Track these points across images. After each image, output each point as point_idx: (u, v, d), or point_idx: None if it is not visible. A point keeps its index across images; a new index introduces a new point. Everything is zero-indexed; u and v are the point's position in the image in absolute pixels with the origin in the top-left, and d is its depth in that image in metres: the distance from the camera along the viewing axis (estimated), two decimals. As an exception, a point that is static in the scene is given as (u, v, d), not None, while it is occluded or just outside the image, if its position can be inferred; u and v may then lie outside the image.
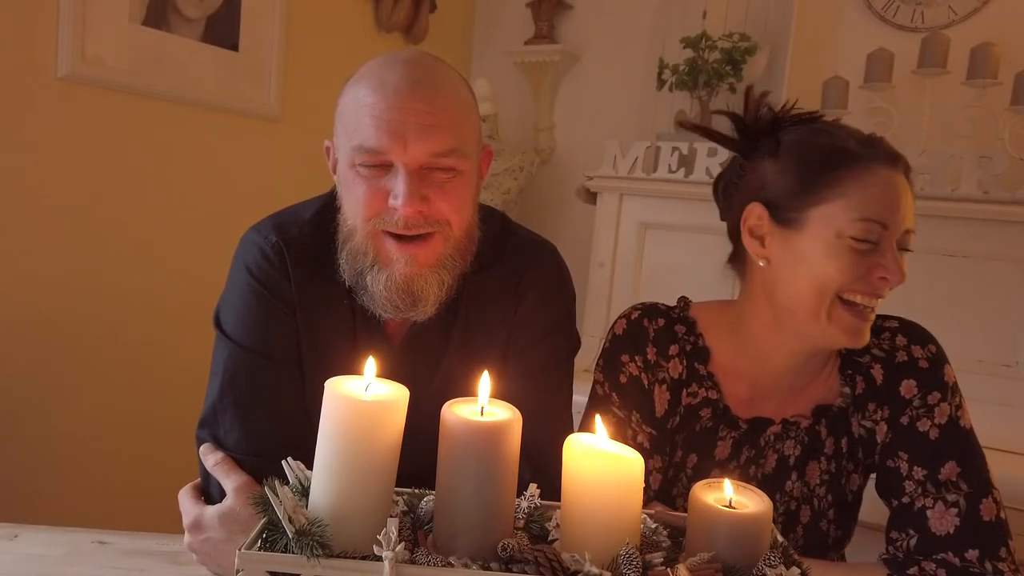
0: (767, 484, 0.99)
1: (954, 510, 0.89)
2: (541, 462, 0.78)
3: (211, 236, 1.97)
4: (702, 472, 1.01)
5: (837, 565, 1.00)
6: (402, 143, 0.84)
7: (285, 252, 0.94)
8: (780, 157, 0.95)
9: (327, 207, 0.99)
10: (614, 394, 1.01)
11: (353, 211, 0.89)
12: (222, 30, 2.00)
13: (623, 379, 1.01)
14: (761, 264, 0.96)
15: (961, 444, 0.93)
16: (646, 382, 1.01)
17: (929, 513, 0.90)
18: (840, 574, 0.95)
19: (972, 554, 0.87)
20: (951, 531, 0.88)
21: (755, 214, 0.96)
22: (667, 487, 1.02)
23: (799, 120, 0.98)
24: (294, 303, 0.95)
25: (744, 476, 1.00)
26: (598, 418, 0.63)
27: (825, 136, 0.94)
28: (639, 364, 1.01)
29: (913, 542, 0.90)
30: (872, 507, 1.02)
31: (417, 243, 0.88)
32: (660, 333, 1.03)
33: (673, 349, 1.02)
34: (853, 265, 0.90)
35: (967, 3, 2.08)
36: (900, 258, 0.91)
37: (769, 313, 0.97)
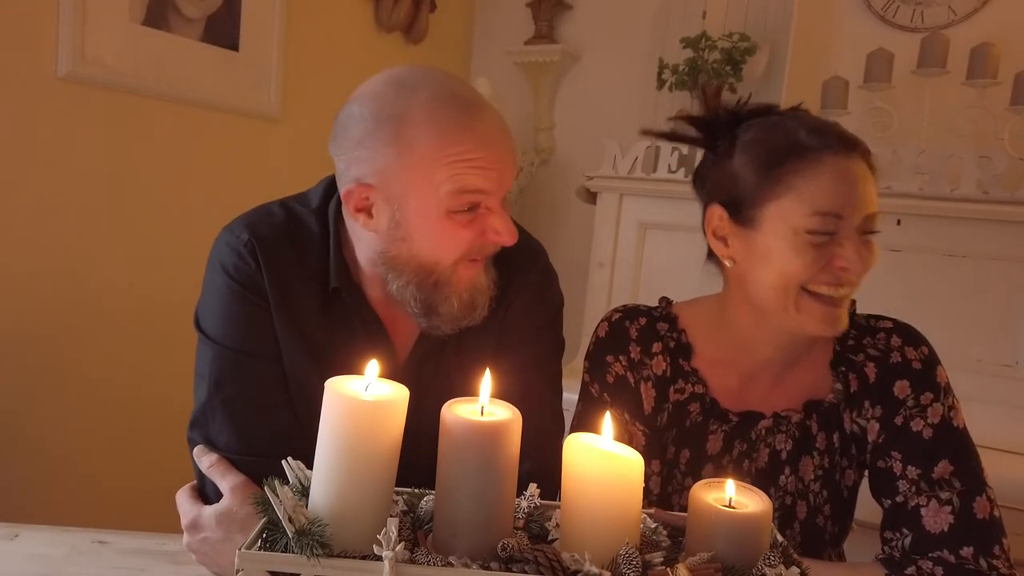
0: (761, 478, 1.00)
1: (948, 508, 0.89)
2: (538, 455, 0.78)
3: (211, 236, 1.96)
4: (695, 467, 1.02)
5: (836, 565, 1.00)
6: (500, 182, 0.89)
7: (258, 249, 0.95)
8: (735, 157, 0.96)
9: (298, 204, 1.00)
10: (605, 394, 1.02)
11: (440, 253, 0.90)
12: (222, 30, 2.00)
13: (610, 379, 1.02)
14: (728, 264, 0.98)
15: (955, 443, 0.94)
16: (632, 380, 1.02)
17: (923, 511, 0.90)
18: (840, 574, 0.95)
19: (967, 551, 0.87)
20: (945, 529, 0.88)
21: (716, 215, 0.98)
22: (661, 484, 1.02)
23: (755, 113, 0.98)
24: (270, 299, 0.95)
25: (738, 470, 1.00)
26: (608, 415, 0.64)
27: (777, 131, 0.94)
28: (624, 363, 1.03)
29: (908, 541, 0.90)
30: (872, 507, 1.02)
31: (482, 258, 0.94)
32: (642, 332, 1.04)
33: (656, 347, 1.04)
34: (813, 259, 0.90)
35: (967, 3, 2.08)
36: (866, 243, 0.91)
37: (748, 306, 0.99)
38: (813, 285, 0.91)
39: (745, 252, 0.96)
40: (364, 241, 0.94)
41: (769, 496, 0.98)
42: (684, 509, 0.98)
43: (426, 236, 0.89)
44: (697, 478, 1.01)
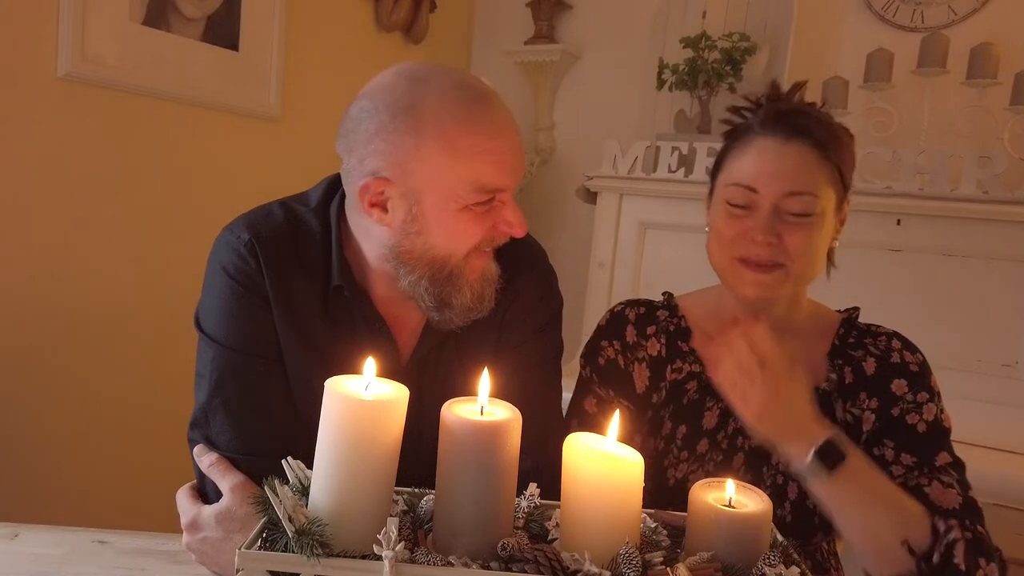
0: (754, 457, 1.02)
1: (952, 490, 0.91)
2: (539, 454, 0.78)
3: (211, 236, 1.95)
4: (691, 442, 1.05)
5: (890, 485, 0.94)
6: (515, 175, 0.90)
7: (258, 250, 0.95)
8: None
9: (297, 203, 1.00)
10: (594, 375, 1.09)
11: (453, 245, 0.90)
12: (222, 30, 2.00)
13: (601, 361, 1.09)
14: (706, 230, 1.06)
15: (946, 440, 0.98)
16: (622, 363, 1.09)
17: (927, 490, 0.92)
18: (892, 491, 0.89)
19: (982, 530, 0.88)
20: (956, 506, 0.90)
21: (708, 189, 1.09)
22: (658, 458, 1.05)
23: (776, 98, 1.04)
24: (270, 299, 0.95)
25: (732, 447, 1.03)
26: (616, 414, 0.64)
27: (750, 116, 1.03)
28: (616, 347, 1.10)
29: None
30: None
31: (491, 249, 0.95)
32: (640, 317, 1.11)
33: (651, 329, 1.10)
34: (730, 226, 0.99)
35: (967, 3, 2.08)
36: (785, 222, 0.95)
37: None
38: (740, 254, 0.98)
39: (710, 219, 1.06)
40: (374, 237, 0.93)
41: (761, 474, 1.00)
42: (680, 482, 1.02)
43: (442, 230, 0.89)
44: (693, 452, 1.04)
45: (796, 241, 0.95)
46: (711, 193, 1.07)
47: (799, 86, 1.05)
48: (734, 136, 1.03)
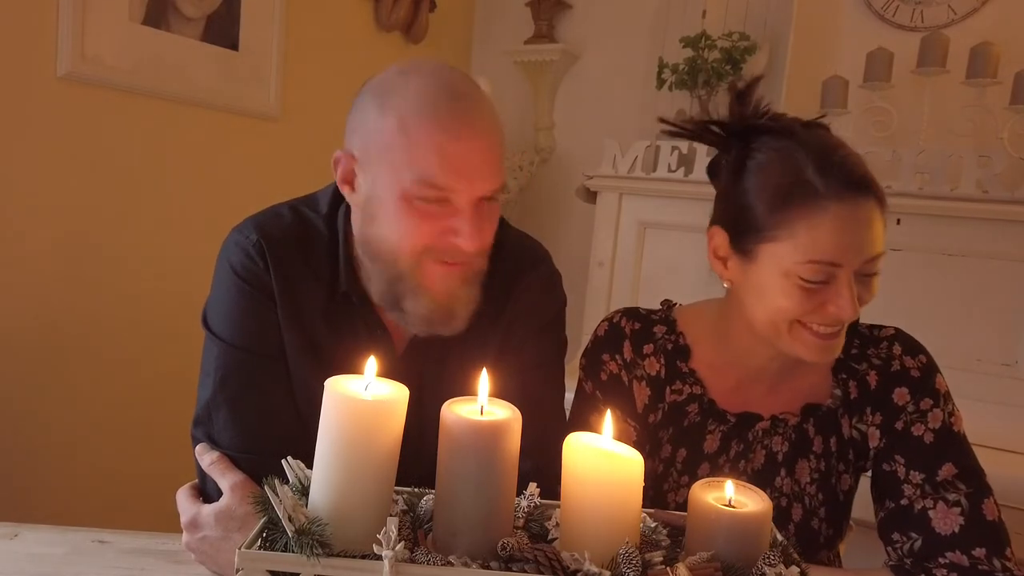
0: (757, 480, 1.00)
1: (956, 509, 0.89)
2: (540, 455, 0.78)
3: (210, 236, 1.95)
4: (692, 466, 1.03)
5: (845, 572, 1.00)
6: (468, 181, 0.85)
7: (266, 250, 0.95)
8: (744, 179, 0.94)
9: (307, 207, 1.01)
10: (598, 391, 1.04)
11: (398, 240, 0.88)
12: (222, 29, 2.00)
13: (604, 376, 1.05)
14: (726, 285, 0.99)
15: (956, 447, 0.94)
16: (626, 379, 1.04)
17: (931, 514, 0.90)
18: None
19: (979, 552, 0.87)
20: (956, 530, 0.88)
21: (718, 238, 0.97)
22: (658, 482, 1.03)
23: (772, 127, 0.94)
24: (276, 299, 0.95)
25: (734, 471, 1.01)
26: (608, 414, 0.64)
27: (787, 163, 0.90)
28: (619, 362, 1.05)
29: (918, 544, 0.90)
30: (871, 507, 1.02)
31: (455, 263, 0.91)
32: (636, 333, 1.06)
33: (647, 348, 1.05)
34: (803, 302, 0.89)
35: (967, 3, 2.08)
36: (865, 284, 0.90)
37: (745, 321, 0.98)
38: (806, 320, 0.91)
39: (742, 279, 0.95)
40: (355, 226, 0.95)
41: None
42: (680, 507, 1.00)
43: (387, 218, 0.89)
44: (694, 476, 1.02)
45: (867, 298, 0.91)
46: (745, 254, 0.93)
47: (756, 82, 0.97)
48: (787, 199, 0.89)
